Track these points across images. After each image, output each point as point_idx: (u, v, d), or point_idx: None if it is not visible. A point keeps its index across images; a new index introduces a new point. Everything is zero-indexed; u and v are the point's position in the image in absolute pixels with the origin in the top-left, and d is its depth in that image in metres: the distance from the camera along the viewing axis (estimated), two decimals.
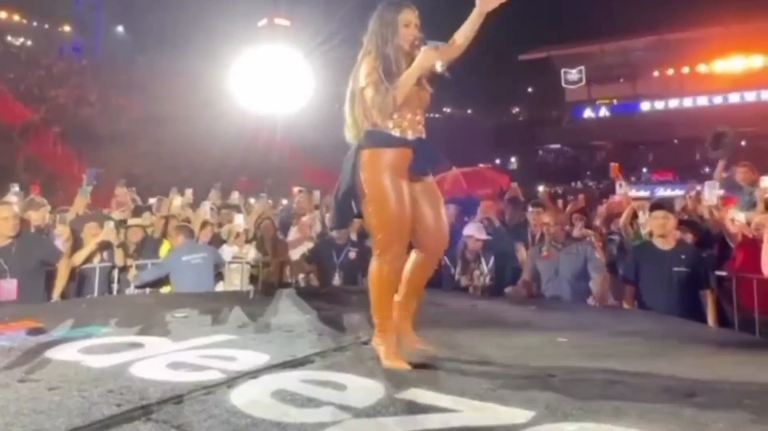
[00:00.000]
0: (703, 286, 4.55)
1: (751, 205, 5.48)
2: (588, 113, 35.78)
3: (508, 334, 3.52)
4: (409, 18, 2.84)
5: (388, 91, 2.71)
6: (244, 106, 12.28)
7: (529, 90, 38.26)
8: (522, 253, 5.65)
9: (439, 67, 2.74)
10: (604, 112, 35.27)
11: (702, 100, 31.79)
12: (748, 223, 4.98)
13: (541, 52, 35.40)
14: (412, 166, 2.78)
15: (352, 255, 5.75)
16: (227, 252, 5.93)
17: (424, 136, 2.85)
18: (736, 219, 5.38)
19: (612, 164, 6.93)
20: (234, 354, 2.88)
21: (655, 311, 4.35)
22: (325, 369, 2.66)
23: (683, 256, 4.57)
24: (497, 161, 31.04)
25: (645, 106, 33.85)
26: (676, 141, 32.32)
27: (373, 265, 2.79)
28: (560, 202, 8.41)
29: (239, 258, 5.84)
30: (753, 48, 30.30)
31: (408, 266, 2.88)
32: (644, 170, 31.05)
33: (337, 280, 5.73)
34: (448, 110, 38.64)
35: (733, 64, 31.16)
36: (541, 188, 9.25)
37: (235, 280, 5.67)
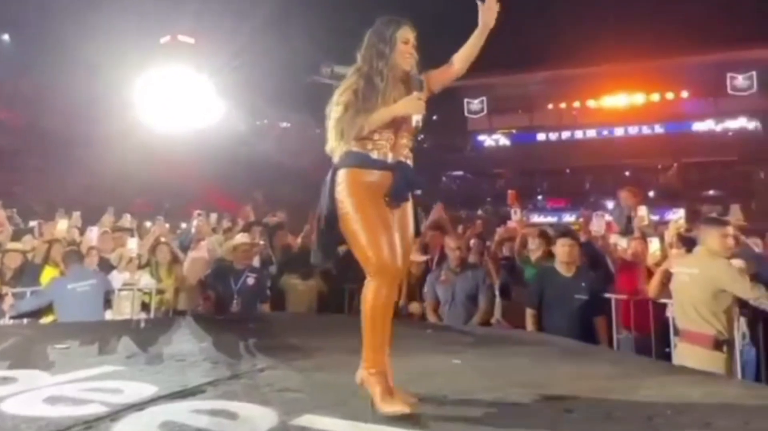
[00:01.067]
0: (597, 313, 4.75)
1: (630, 231, 5.94)
2: (489, 142, 37.37)
3: (404, 357, 3.56)
4: (408, 35, 2.77)
5: (359, 115, 2.61)
6: (144, 124, 11.78)
7: (434, 118, 39.46)
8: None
9: (415, 122, 2.71)
10: (503, 141, 36.96)
11: (591, 133, 34.09)
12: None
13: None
14: (390, 192, 2.65)
15: (251, 281, 5.58)
16: (117, 278, 5.62)
17: (408, 160, 2.73)
18: (618, 244, 5.81)
19: (509, 191, 7.27)
20: (120, 386, 2.74)
21: (557, 335, 4.46)
22: (218, 398, 2.60)
23: (583, 284, 4.74)
24: None
25: (541, 136, 35.79)
26: (568, 170, 34.41)
27: (369, 289, 2.55)
28: (459, 227, 8.68)
29: (130, 285, 5.55)
30: (635, 86, 33.09)
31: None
32: (539, 197, 32.68)
33: (234, 307, 5.55)
34: None
35: (618, 100, 33.79)
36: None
37: (125, 308, 5.38)
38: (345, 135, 2.63)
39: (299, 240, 6.59)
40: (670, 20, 29.20)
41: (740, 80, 32.91)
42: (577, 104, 35.32)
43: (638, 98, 33.61)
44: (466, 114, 37.75)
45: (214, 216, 7.53)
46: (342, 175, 2.65)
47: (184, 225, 9.57)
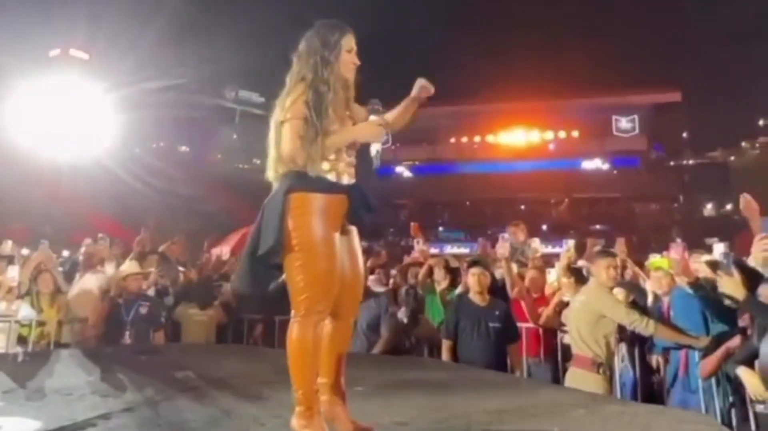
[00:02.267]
0: (512, 340, 4.87)
1: (520, 263, 6.21)
2: (393, 173, 38.11)
3: None
4: (352, 44, 2.60)
5: (318, 135, 2.40)
6: (23, 145, 10.83)
7: None
8: None
9: (375, 151, 2.57)
10: (407, 172, 37.80)
11: (490, 167, 35.65)
12: (521, 277, 5.65)
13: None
14: (349, 216, 2.51)
15: (144, 310, 5.30)
16: None
17: (371, 151, 2.60)
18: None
19: (413, 223, 7.43)
20: None
21: (474, 364, 4.52)
22: None
23: (497, 312, 4.81)
24: None
25: (443, 169, 37.00)
26: (468, 202, 35.69)
27: (295, 329, 2.40)
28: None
29: (6, 317, 5.09)
30: (532, 124, 35.16)
31: (325, 338, 2.51)
32: (440, 229, 33.57)
33: (126, 338, 5.26)
34: (257, 161, 38.51)
35: (515, 136, 35.70)
36: None
37: None
38: (309, 157, 2.41)
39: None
40: (564, 64, 31.52)
41: (624, 122, 35.93)
42: (477, 139, 36.89)
43: (534, 135, 35.73)
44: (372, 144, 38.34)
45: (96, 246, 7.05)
46: (297, 199, 2.41)
47: (66, 253, 8.96)
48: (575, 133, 35.97)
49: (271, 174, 2.55)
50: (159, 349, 4.99)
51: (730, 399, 3.99)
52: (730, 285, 3.48)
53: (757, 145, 35.01)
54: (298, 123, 2.43)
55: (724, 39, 31.06)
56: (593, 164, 35.79)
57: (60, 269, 6.31)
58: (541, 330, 5.16)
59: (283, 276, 2.51)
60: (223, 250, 7.33)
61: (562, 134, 35.98)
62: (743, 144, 35.35)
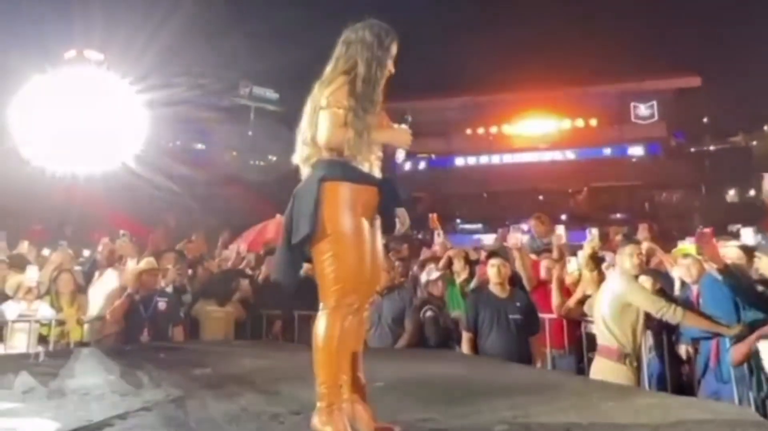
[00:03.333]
0: (534, 332, 4.79)
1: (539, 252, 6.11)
2: (408, 165, 37.94)
3: None
4: (395, 51, 2.63)
5: (365, 128, 2.39)
6: (40, 147, 10.80)
7: None
8: None
9: (400, 158, 2.56)
10: (422, 165, 37.63)
11: (507, 158, 35.35)
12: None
13: None
14: (380, 209, 2.48)
15: (162, 305, 5.29)
16: (12, 309, 5.15)
17: (397, 159, 2.59)
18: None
19: (431, 215, 7.34)
20: (15, 424, 2.52)
21: (495, 356, 4.47)
22: None
23: (518, 303, 4.74)
24: None
25: (459, 161, 36.76)
26: (485, 194, 35.42)
27: (323, 321, 2.36)
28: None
29: (27, 316, 5.10)
30: (548, 113, 34.77)
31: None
32: (458, 221, 33.38)
33: (145, 336, 5.24)
34: (273, 158, 38.56)
35: (532, 126, 35.33)
36: None
37: (19, 342, 4.94)
38: (355, 146, 2.38)
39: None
40: (580, 51, 31.07)
41: (642, 109, 35.38)
42: (493, 129, 36.58)
43: (551, 125, 35.33)
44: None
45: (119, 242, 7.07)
46: (331, 188, 2.38)
47: (86, 252, 8.98)
48: (593, 121, 35.44)
49: (301, 158, 2.53)
50: (178, 346, 4.99)
51: (765, 388, 3.86)
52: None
53: None
54: (343, 112, 2.41)
55: (743, 21, 30.34)
56: (612, 152, 35.30)
57: (79, 269, 6.32)
58: (564, 321, 5.05)
59: (306, 267, 2.52)
60: (240, 247, 7.30)
61: (579, 123, 35.49)
62: (766, 128, 34.59)
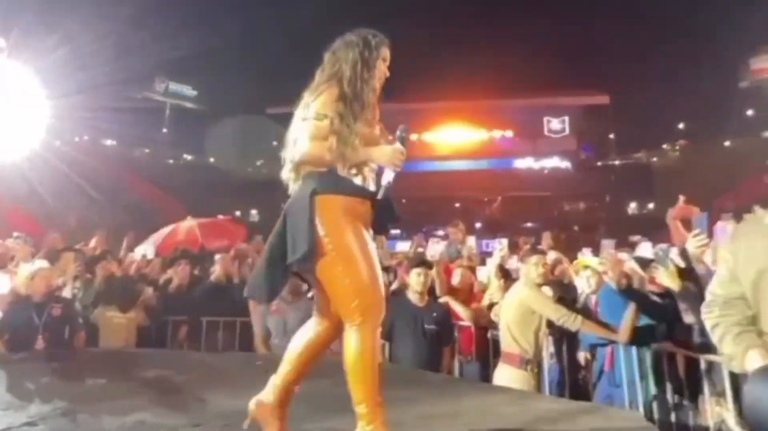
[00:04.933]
0: (447, 343, 4.80)
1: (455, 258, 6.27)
2: None
3: (234, 394, 3.39)
4: (387, 54, 2.54)
5: (351, 135, 2.28)
6: None
7: (275, 144, 39.10)
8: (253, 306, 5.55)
9: (386, 182, 2.36)
10: None
11: (427, 165, 35.98)
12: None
13: (289, 106, 36.47)
14: (374, 223, 2.39)
15: (57, 311, 4.85)
16: None
17: (382, 181, 2.42)
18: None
19: None
20: None
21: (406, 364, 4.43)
22: None
23: (435, 314, 4.72)
24: (237, 213, 30.86)
25: (379, 166, 37.04)
26: (404, 200, 35.85)
27: (353, 339, 2.24)
28: None
29: None
30: (467, 123, 35.74)
31: (313, 340, 2.46)
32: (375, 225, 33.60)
33: (40, 343, 4.88)
34: (188, 157, 37.31)
35: (451, 135, 36.19)
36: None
37: None
38: (339, 155, 2.27)
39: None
40: (500, 66, 32.08)
41: (555, 123, 37.10)
42: (414, 137, 37.11)
43: (470, 135, 36.32)
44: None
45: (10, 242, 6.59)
46: (324, 201, 2.28)
47: None
48: (509, 133, 36.84)
49: (289, 173, 2.42)
50: (73, 355, 4.69)
51: (653, 392, 4.11)
52: (668, 277, 3.63)
53: (677, 147, 36.84)
54: (326, 124, 2.31)
55: (650, 46, 32.49)
56: (526, 163, 36.76)
57: None
58: (473, 328, 5.17)
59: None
60: (147, 250, 6.99)
61: (496, 133, 36.76)
62: (664, 146, 37.13)
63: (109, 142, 30.85)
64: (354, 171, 2.35)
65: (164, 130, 35.48)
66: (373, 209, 2.39)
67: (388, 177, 2.37)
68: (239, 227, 11.18)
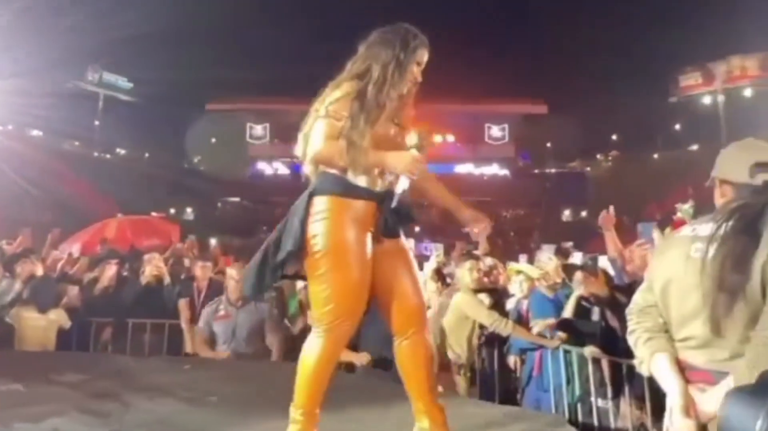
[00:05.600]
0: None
1: None
2: (269, 169, 37.30)
3: (157, 400, 3.27)
4: (424, 58, 2.43)
5: (364, 137, 2.19)
6: None
7: (213, 140, 38.27)
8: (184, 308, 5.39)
9: (401, 190, 2.28)
10: (284, 169, 37.17)
11: None
12: None
13: (229, 103, 35.95)
14: (378, 226, 2.29)
15: None
16: None
17: (396, 188, 2.31)
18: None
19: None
20: None
21: None
22: None
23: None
24: (172, 211, 30.05)
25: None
26: None
27: (314, 343, 2.23)
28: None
29: None
30: (412, 126, 35.97)
31: (408, 364, 2.35)
32: None
33: None
34: (122, 151, 35.97)
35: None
36: (213, 241, 9.04)
37: None
38: (351, 158, 2.19)
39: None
40: (444, 72, 32.51)
41: (495, 130, 37.92)
42: None
43: (412, 139, 36.54)
44: (248, 139, 37.34)
45: None
46: (321, 202, 2.23)
47: None
48: (451, 138, 37.36)
49: (309, 169, 2.37)
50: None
51: (578, 393, 4.23)
52: (595, 285, 3.75)
53: (610, 157, 38.40)
54: (341, 123, 2.23)
55: (589, 59, 33.73)
56: (466, 169, 37.40)
57: None
58: None
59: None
60: (73, 248, 6.68)
61: (438, 138, 37.23)
62: (598, 156, 38.61)
63: (35, 133, 29.38)
64: (359, 171, 2.27)
65: (96, 123, 34.05)
66: (380, 211, 2.31)
67: (403, 184, 2.29)
68: (173, 226, 10.80)
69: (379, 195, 2.31)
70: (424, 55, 2.44)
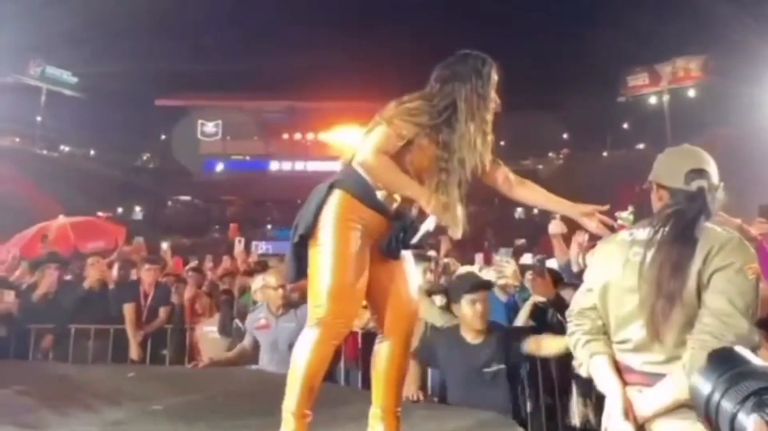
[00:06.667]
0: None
1: None
2: (221, 167, 36.73)
3: (99, 409, 3.16)
4: (496, 78, 2.43)
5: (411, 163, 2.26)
6: None
7: (163, 137, 37.39)
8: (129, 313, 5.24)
9: (424, 228, 2.27)
10: (236, 167, 36.67)
11: (323, 165, 35.85)
12: None
13: (180, 99, 35.25)
14: (382, 243, 2.31)
15: None
16: None
17: (412, 211, 2.34)
18: None
19: (232, 224, 7.18)
20: None
21: None
22: None
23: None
24: (120, 210, 29.25)
25: (274, 165, 36.47)
26: (299, 200, 35.49)
27: (309, 339, 2.20)
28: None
29: None
30: (365, 123, 35.95)
31: (382, 364, 2.37)
32: (269, 227, 32.99)
33: None
34: (66, 148, 34.72)
35: (349, 135, 36.23)
36: (164, 244, 8.81)
37: None
38: (379, 176, 2.24)
39: None
40: (393, 67, 32.54)
41: None
42: (310, 136, 36.91)
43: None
44: (199, 136, 36.69)
45: None
46: (338, 196, 2.26)
47: None
48: None
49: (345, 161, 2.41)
50: None
51: (527, 393, 4.29)
52: (542, 286, 3.81)
53: (561, 155, 39.29)
54: (399, 139, 2.27)
55: (539, 60, 34.45)
56: None
57: None
58: (360, 334, 5.15)
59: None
60: (12, 251, 6.41)
61: None
62: (550, 154, 39.45)
63: None
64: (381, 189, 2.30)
65: (38, 118, 32.74)
66: (389, 228, 2.32)
67: (429, 224, 2.28)
68: (118, 227, 10.40)
69: (390, 214, 2.33)
70: (496, 76, 2.46)
